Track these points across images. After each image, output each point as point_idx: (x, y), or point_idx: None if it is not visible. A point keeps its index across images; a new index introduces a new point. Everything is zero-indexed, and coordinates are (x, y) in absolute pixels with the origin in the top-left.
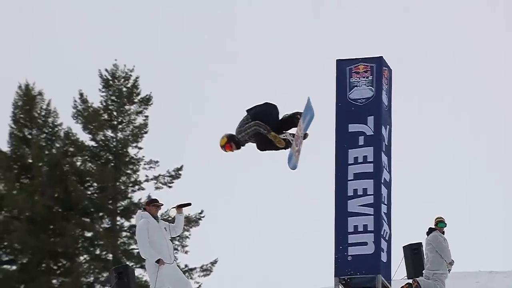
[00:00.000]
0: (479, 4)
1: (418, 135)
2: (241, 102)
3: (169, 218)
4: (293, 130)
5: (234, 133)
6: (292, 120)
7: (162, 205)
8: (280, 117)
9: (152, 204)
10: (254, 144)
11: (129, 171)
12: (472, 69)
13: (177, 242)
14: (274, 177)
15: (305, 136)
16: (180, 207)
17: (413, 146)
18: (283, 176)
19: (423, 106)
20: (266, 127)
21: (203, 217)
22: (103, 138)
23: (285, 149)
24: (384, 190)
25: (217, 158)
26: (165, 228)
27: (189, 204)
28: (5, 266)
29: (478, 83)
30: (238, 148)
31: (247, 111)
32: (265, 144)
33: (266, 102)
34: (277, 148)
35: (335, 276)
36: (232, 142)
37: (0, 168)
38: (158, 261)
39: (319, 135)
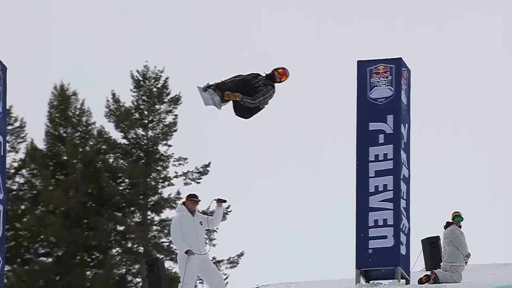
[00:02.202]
0: (497, 4)
1: (436, 132)
2: None
3: (209, 211)
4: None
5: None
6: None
7: (200, 200)
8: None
9: (190, 199)
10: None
11: (159, 168)
12: (490, 68)
13: (205, 236)
14: (298, 173)
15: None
16: (219, 201)
17: (431, 143)
18: (307, 172)
19: (440, 105)
20: (244, 101)
21: (230, 211)
22: (134, 136)
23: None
24: (403, 186)
25: (243, 155)
26: (200, 222)
27: (225, 201)
28: (41, 259)
29: (496, 81)
30: (273, 77)
31: (262, 107)
32: (246, 92)
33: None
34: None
35: (356, 268)
36: (273, 80)
37: (37, 165)
38: (187, 252)
39: (341, 133)
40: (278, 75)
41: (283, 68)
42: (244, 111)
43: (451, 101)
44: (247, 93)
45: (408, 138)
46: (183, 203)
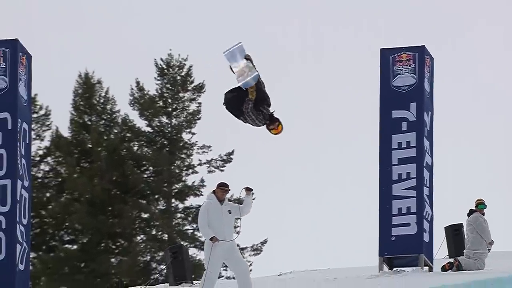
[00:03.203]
0: None
1: (459, 120)
2: (289, 86)
3: (241, 199)
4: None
5: (261, 124)
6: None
7: (229, 190)
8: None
9: (220, 188)
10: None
11: (183, 156)
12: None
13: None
14: (322, 160)
15: (246, 57)
16: (247, 189)
17: (454, 131)
18: (330, 160)
19: (464, 92)
20: (246, 102)
21: (253, 199)
22: (158, 124)
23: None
24: (426, 174)
25: (266, 143)
26: (229, 210)
27: (252, 189)
28: (66, 246)
29: None
30: (273, 121)
31: (239, 118)
32: (260, 97)
33: (223, 103)
34: (258, 87)
35: (379, 256)
36: (270, 127)
37: (62, 153)
38: (211, 239)
39: (364, 121)
40: (273, 127)
41: (278, 129)
42: (235, 107)
43: (474, 88)
44: (257, 103)
45: (431, 126)
46: (213, 192)
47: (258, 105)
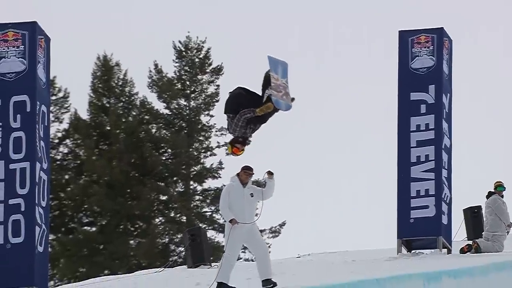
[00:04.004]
0: None
1: (477, 102)
2: (307, 68)
3: (263, 182)
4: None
5: (236, 134)
6: (266, 80)
7: (253, 173)
8: (256, 90)
9: (244, 171)
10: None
11: (201, 138)
12: None
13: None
14: (340, 143)
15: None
16: (270, 173)
17: (472, 113)
18: (349, 143)
19: (482, 74)
20: (250, 110)
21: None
22: (176, 106)
23: (276, 107)
24: (444, 156)
25: (284, 125)
26: (251, 194)
27: (273, 173)
28: (85, 228)
29: None
30: (244, 144)
31: (225, 112)
32: (261, 119)
33: (230, 92)
34: (272, 113)
35: (397, 238)
36: (236, 144)
37: (80, 135)
38: (231, 221)
39: (382, 103)
40: (239, 147)
41: (238, 151)
42: (237, 103)
43: (493, 70)
44: (254, 120)
45: (449, 108)
46: (237, 174)
47: (253, 122)
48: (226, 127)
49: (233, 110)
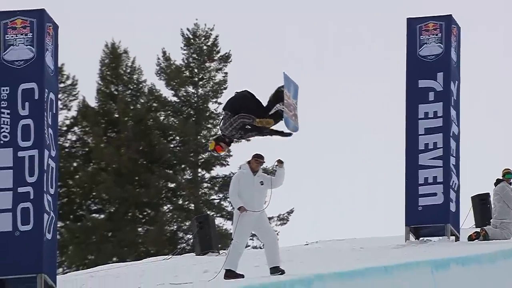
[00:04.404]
0: None
1: (485, 89)
2: (315, 55)
3: (272, 170)
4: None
5: (219, 133)
6: (278, 94)
7: (264, 162)
8: (261, 99)
9: (254, 159)
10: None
11: (209, 125)
12: None
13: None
14: (348, 130)
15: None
16: (280, 162)
17: (480, 100)
18: (357, 130)
19: (490, 61)
20: (250, 117)
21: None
22: (184, 94)
23: (275, 123)
24: (453, 143)
25: None
26: (261, 182)
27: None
28: (93, 215)
29: None
30: (228, 145)
31: (224, 108)
32: (255, 130)
33: (236, 92)
34: (269, 132)
35: (405, 225)
36: (221, 143)
37: (88, 122)
38: (239, 209)
39: (390, 91)
40: (223, 147)
41: (219, 150)
42: (241, 105)
43: (501, 57)
44: (249, 129)
45: (457, 95)
46: (248, 162)
47: (246, 130)
48: (219, 122)
49: (234, 109)
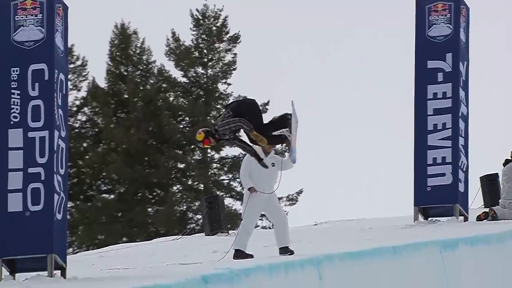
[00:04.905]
0: None
1: (494, 69)
2: (323, 37)
3: (283, 150)
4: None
5: (210, 128)
6: (284, 120)
7: (277, 143)
8: (265, 115)
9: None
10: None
11: (218, 106)
12: None
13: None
14: (357, 111)
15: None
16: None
17: (489, 81)
18: (366, 111)
19: (499, 42)
20: (249, 125)
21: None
22: (194, 74)
23: (269, 144)
24: (461, 124)
25: (301, 94)
26: (272, 163)
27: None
28: (103, 196)
29: None
30: (217, 142)
31: (227, 106)
32: (243, 141)
33: (245, 98)
34: (256, 156)
35: (414, 206)
36: (210, 137)
37: (98, 103)
38: (250, 189)
39: (400, 72)
40: (211, 142)
41: (206, 144)
42: (243, 111)
43: (510, 38)
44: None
45: (466, 76)
46: None
47: (236, 138)
48: (217, 117)
49: (238, 112)
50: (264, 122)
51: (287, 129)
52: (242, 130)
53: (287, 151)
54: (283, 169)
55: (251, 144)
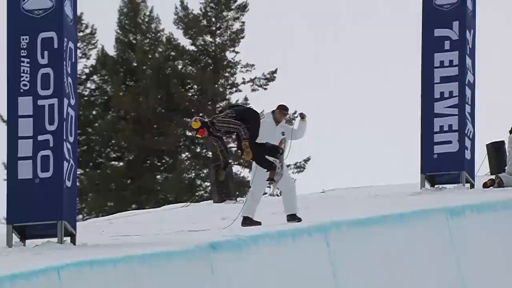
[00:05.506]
0: None
1: (501, 37)
2: (332, 4)
3: (294, 119)
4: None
5: (207, 120)
6: (275, 152)
7: (288, 114)
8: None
9: (279, 109)
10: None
11: (227, 74)
12: None
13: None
14: (365, 79)
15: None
16: (303, 115)
17: (496, 48)
18: (373, 79)
19: (506, 9)
20: (247, 134)
21: (296, 117)
22: (202, 43)
23: (250, 159)
24: (468, 91)
25: (309, 61)
26: (282, 132)
27: (305, 116)
28: (113, 163)
29: None
30: (209, 135)
31: (231, 106)
32: (224, 147)
33: (251, 108)
34: (224, 162)
35: (421, 173)
36: (205, 128)
37: (107, 71)
38: None
39: (406, 40)
40: (203, 133)
41: (203, 133)
42: (243, 117)
43: None
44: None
45: (473, 44)
46: (273, 111)
47: (223, 140)
48: (220, 112)
49: (241, 116)
50: (259, 142)
51: (278, 160)
52: (236, 134)
53: (270, 183)
54: (294, 139)
55: (229, 151)
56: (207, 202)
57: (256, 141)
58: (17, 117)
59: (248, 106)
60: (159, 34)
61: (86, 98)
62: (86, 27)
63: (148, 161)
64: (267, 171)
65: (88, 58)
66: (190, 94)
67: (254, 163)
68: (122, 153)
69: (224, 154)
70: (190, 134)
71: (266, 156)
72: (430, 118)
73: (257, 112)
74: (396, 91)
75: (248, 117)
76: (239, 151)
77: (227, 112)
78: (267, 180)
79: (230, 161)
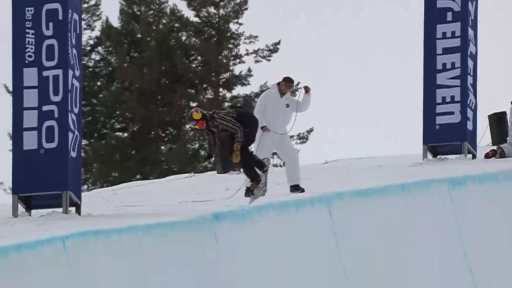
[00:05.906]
0: None
1: (503, 8)
2: None
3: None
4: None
5: (208, 113)
6: (261, 166)
7: (293, 86)
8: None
9: (284, 81)
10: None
11: (230, 46)
12: None
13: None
14: (367, 50)
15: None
16: (307, 89)
17: (498, 19)
18: (375, 51)
19: None
20: (242, 137)
21: (299, 88)
22: (206, 14)
23: (240, 165)
24: (470, 63)
25: (312, 33)
26: (287, 104)
27: (309, 89)
28: (117, 134)
29: None
30: (206, 128)
31: (233, 106)
32: (214, 142)
33: (251, 113)
34: (230, 152)
35: (423, 144)
36: (205, 120)
37: (112, 42)
38: (262, 128)
39: (408, 12)
40: (201, 124)
41: (202, 124)
42: (241, 118)
43: None
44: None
45: (475, 15)
46: (278, 83)
47: (215, 136)
48: (223, 112)
49: (241, 118)
50: (251, 150)
51: (263, 175)
52: (230, 134)
53: (248, 194)
54: (298, 111)
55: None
56: (211, 173)
57: (259, 116)
58: (22, 88)
59: (250, 111)
60: (163, 6)
61: (90, 69)
62: None
63: (152, 132)
64: (250, 181)
65: (92, 30)
66: (194, 65)
67: (258, 133)
68: (127, 124)
69: (212, 148)
70: (194, 105)
71: (257, 170)
72: (432, 89)
73: (257, 118)
74: (399, 62)
75: (247, 121)
76: (228, 152)
77: (228, 111)
78: (246, 191)
79: (214, 155)
